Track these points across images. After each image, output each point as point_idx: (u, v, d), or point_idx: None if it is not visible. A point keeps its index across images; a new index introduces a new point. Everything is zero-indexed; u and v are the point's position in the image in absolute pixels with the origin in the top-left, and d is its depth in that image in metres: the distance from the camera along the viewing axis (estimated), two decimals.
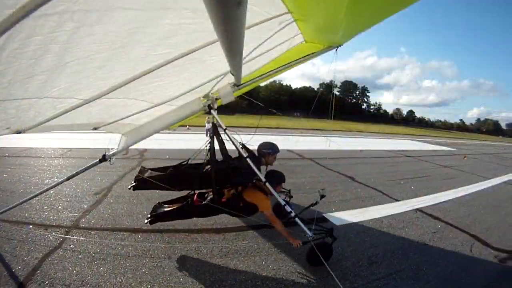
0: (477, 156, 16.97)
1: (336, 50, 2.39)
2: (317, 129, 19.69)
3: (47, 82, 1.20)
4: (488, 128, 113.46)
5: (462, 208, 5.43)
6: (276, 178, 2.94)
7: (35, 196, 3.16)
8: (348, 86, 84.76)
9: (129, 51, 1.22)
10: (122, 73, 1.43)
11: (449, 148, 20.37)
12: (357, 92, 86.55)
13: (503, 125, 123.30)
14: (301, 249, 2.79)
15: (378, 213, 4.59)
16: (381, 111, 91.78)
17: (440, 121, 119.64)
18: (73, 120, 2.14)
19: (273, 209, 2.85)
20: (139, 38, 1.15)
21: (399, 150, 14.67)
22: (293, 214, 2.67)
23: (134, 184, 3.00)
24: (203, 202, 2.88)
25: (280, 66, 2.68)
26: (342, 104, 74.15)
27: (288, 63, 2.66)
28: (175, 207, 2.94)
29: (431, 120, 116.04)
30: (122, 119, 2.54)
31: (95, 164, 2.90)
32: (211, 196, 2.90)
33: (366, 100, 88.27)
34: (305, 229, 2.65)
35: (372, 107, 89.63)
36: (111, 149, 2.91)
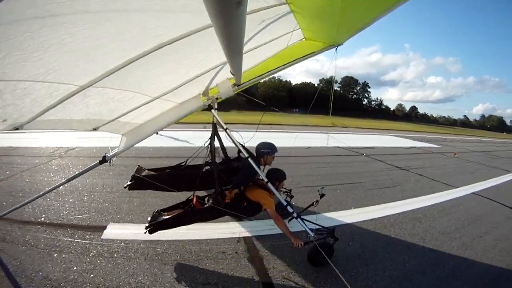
0: (464, 154, 14.38)
1: (336, 49, 2.39)
2: (306, 125, 17.30)
3: (42, 61, 1.19)
4: (493, 124, 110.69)
5: (350, 245, 3.26)
6: (276, 175, 2.93)
7: (36, 198, 3.15)
8: (349, 82, 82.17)
9: (124, 30, 1.21)
10: (117, 55, 1.42)
11: (433, 145, 17.26)
12: (358, 87, 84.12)
13: (507, 121, 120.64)
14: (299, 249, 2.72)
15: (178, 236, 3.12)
16: (383, 106, 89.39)
17: (444, 117, 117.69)
18: (71, 115, 2.13)
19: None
20: (134, 17, 1.14)
21: (361, 147, 12.02)
22: (295, 214, 2.64)
23: (130, 183, 2.94)
24: (207, 205, 2.81)
25: (281, 66, 2.71)
26: (343, 100, 73.08)
27: (289, 63, 2.67)
28: (176, 213, 2.83)
29: (434, 116, 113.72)
30: (121, 116, 2.52)
31: (95, 166, 2.89)
32: (213, 198, 2.84)
33: (367, 96, 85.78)
34: (307, 229, 2.60)
35: (373, 102, 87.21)
36: (112, 149, 2.91)
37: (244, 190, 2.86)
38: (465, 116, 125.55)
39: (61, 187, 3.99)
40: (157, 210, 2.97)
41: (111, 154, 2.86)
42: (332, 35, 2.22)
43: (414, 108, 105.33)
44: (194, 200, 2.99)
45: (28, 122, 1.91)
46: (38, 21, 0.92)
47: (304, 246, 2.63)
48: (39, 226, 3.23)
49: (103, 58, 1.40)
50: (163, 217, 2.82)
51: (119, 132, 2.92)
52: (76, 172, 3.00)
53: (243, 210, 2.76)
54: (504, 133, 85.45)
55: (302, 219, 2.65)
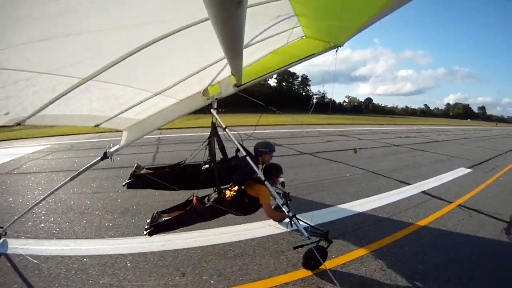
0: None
1: (337, 50, 2.41)
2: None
3: (44, 50, 1.20)
4: (458, 112, 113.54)
5: None
6: (274, 170, 2.98)
7: (41, 201, 3.09)
8: (286, 76, 75.44)
9: (126, 21, 1.21)
10: (118, 47, 1.42)
11: None
12: (296, 82, 79.01)
13: (475, 109, 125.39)
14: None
15: None
16: (326, 100, 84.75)
17: (401, 107, 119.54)
18: (74, 110, 2.14)
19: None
20: (136, 7, 1.15)
21: None
22: (290, 214, 2.60)
23: (128, 181, 2.89)
24: (208, 204, 2.78)
25: (283, 66, 2.75)
26: (282, 96, 63.89)
27: (290, 63, 2.70)
28: (177, 214, 2.77)
29: (389, 106, 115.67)
30: (123, 112, 2.52)
31: (97, 162, 2.90)
32: (214, 197, 2.84)
33: (307, 89, 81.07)
34: (302, 230, 2.55)
35: (315, 96, 78.80)
36: (112, 145, 2.93)
37: (244, 187, 2.87)
38: (425, 105, 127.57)
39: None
40: (157, 211, 2.89)
41: (112, 150, 2.87)
42: (333, 34, 2.23)
43: (369, 100, 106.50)
44: (194, 200, 2.95)
45: (30, 116, 1.91)
46: (40, 7, 0.91)
47: (297, 249, 2.63)
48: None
49: (104, 50, 1.41)
50: (163, 218, 2.75)
51: (120, 127, 2.94)
52: (79, 170, 2.99)
53: (245, 208, 2.78)
54: (469, 119, 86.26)
55: (298, 219, 2.63)
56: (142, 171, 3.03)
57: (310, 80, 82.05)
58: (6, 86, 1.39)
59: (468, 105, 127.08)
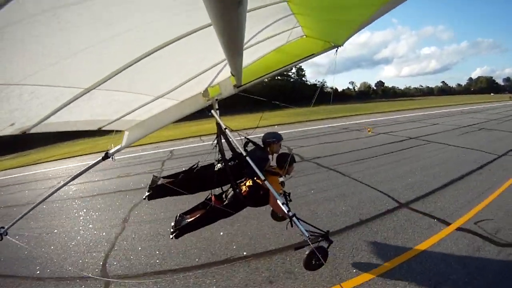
0: None
1: (337, 50, 2.42)
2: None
3: (47, 64, 1.21)
4: (481, 86, 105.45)
5: None
6: (286, 158, 3.06)
7: (41, 202, 3.08)
8: None
9: (126, 32, 1.22)
10: (120, 57, 1.44)
11: None
12: (291, 73, 73.01)
13: (500, 81, 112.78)
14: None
15: None
16: (327, 90, 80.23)
17: (415, 88, 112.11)
18: (77, 117, 2.15)
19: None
20: (136, 19, 1.16)
21: None
22: (291, 213, 2.57)
23: (148, 194, 2.98)
24: (226, 201, 2.89)
25: (283, 67, 2.76)
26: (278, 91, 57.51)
27: (290, 64, 2.71)
28: (199, 214, 2.86)
29: (401, 88, 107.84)
30: (125, 115, 2.54)
31: (98, 162, 2.92)
32: (231, 194, 2.93)
33: (304, 80, 74.56)
34: (303, 230, 2.52)
35: (317, 86, 79.84)
36: (113, 146, 2.94)
37: (257, 179, 2.92)
38: (443, 82, 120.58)
39: None
40: (179, 214, 3.03)
41: (113, 150, 2.89)
42: (333, 33, 2.24)
43: (381, 83, 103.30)
44: (213, 198, 3.05)
45: (35, 125, 1.93)
46: (42, 23, 0.91)
47: (297, 250, 2.65)
48: None
49: (106, 60, 1.42)
50: (186, 220, 2.88)
51: (122, 128, 2.96)
52: (79, 171, 3.00)
53: (260, 199, 2.85)
54: (492, 94, 77.43)
55: (298, 219, 2.59)
56: (159, 182, 3.10)
57: (304, 71, 77.81)
58: (10, 99, 1.41)
59: (492, 77, 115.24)
